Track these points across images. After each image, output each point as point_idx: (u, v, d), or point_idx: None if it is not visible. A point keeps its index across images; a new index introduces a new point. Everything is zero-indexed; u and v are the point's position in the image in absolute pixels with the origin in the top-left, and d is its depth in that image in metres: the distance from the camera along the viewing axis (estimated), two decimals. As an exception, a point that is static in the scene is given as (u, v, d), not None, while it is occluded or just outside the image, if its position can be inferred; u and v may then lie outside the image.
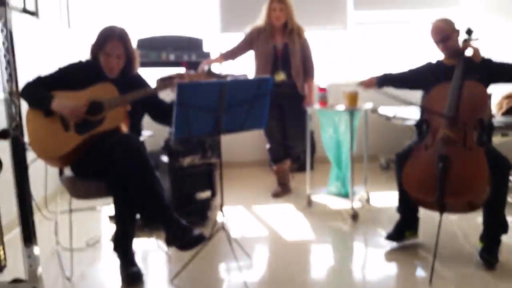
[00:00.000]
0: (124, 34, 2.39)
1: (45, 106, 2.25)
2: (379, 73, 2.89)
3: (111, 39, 2.35)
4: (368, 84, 2.84)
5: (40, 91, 2.29)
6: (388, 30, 5.22)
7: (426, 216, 2.61)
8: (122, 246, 2.33)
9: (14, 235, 2.88)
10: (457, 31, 2.58)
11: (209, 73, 2.44)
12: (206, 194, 3.07)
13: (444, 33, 2.57)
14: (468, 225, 2.89)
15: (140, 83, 2.54)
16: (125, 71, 2.45)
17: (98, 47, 2.37)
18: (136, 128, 2.52)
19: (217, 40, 4.98)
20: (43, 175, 2.46)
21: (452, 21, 2.62)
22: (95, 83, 2.33)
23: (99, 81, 2.35)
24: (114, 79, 2.39)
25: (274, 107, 3.52)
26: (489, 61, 2.57)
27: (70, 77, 2.38)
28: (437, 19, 2.66)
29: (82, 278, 2.39)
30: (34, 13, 3.50)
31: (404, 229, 2.64)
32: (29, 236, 1.91)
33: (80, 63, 2.49)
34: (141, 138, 2.55)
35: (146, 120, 2.66)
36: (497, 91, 2.74)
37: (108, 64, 2.37)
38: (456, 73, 2.42)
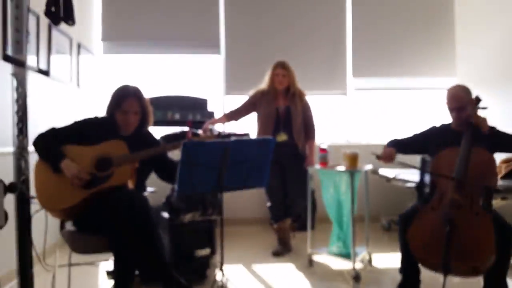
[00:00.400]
0: (139, 92, 2.52)
1: (54, 164, 2.30)
2: (386, 141, 2.90)
3: (127, 97, 2.47)
4: (390, 157, 2.75)
5: (53, 146, 2.34)
6: (386, 96, 5.41)
7: (429, 278, 2.57)
8: None
9: (12, 286, 2.85)
10: (472, 100, 2.64)
11: (219, 136, 2.52)
12: (205, 251, 3.04)
13: (462, 103, 2.63)
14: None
15: (151, 141, 2.62)
16: (140, 127, 2.54)
17: (116, 105, 2.47)
18: (141, 185, 2.56)
19: (220, 101, 5.15)
20: (43, 227, 2.46)
21: (469, 90, 2.70)
22: (108, 139, 2.40)
23: (112, 137, 2.42)
24: (126, 136, 2.47)
25: (276, 166, 3.59)
26: (495, 130, 2.64)
27: (84, 131, 2.45)
28: (455, 86, 2.73)
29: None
30: (46, 73, 3.68)
31: (407, 292, 2.59)
32: None
33: (96, 118, 2.58)
34: (145, 194, 2.58)
35: (150, 176, 2.70)
36: (495, 156, 2.79)
37: (126, 121, 2.47)
38: (465, 139, 2.46)
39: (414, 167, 2.61)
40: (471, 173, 2.39)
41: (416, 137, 2.86)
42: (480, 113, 2.58)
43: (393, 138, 2.89)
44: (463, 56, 5.15)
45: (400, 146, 2.82)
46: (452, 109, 2.66)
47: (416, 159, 2.81)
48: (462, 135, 2.50)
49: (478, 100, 2.62)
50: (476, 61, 4.89)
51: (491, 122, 2.61)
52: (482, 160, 2.43)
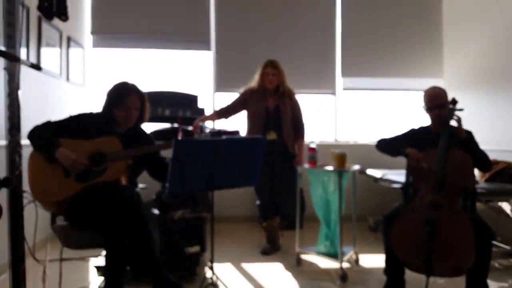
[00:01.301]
0: (139, 88, 2.55)
1: (50, 154, 2.29)
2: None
3: (130, 93, 2.49)
4: (418, 159, 2.60)
5: (47, 137, 2.33)
6: (374, 96, 5.48)
7: (413, 278, 2.63)
8: None
9: (1, 281, 2.83)
10: (448, 102, 2.69)
11: (213, 134, 2.55)
12: (195, 249, 3.05)
13: (442, 100, 2.69)
14: (454, 289, 2.91)
15: (144, 138, 2.63)
16: (136, 123, 2.57)
17: (117, 101, 2.48)
18: (133, 181, 2.57)
19: (210, 98, 5.15)
20: (33, 221, 2.45)
21: (445, 91, 2.76)
22: (102, 135, 2.40)
23: (106, 133, 2.42)
24: (120, 133, 2.47)
25: (265, 165, 3.61)
26: (470, 135, 2.70)
27: (78, 125, 2.45)
28: (433, 87, 2.78)
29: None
30: (38, 67, 3.64)
31: (392, 292, 2.64)
32: (18, 284, 1.89)
33: (91, 114, 2.57)
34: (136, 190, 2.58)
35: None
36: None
37: (127, 117, 2.49)
38: (442, 141, 2.51)
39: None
40: (449, 174, 2.44)
41: (399, 138, 2.87)
42: (457, 114, 2.62)
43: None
44: (450, 58, 5.24)
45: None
46: (432, 107, 2.70)
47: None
48: (440, 136, 2.54)
49: (454, 101, 2.66)
50: (462, 63, 4.98)
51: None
52: (459, 161, 2.48)
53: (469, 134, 2.71)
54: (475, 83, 4.73)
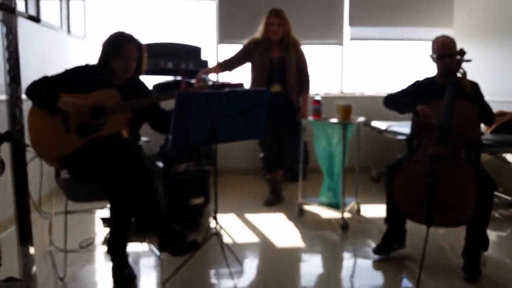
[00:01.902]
0: (136, 38, 2.49)
1: (51, 104, 2.27)
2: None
3: (128, 42, 2.43)
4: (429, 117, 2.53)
5: (47, 90, 2.32)
6: (381, 46, 5.36)
7: (414, 228, 2.67)
8: (116, 248, 2.35)
9: (8, 234, 2.92)
10: (457, 52, 2.61)
11: (212, 86, 2.51)
12: (199, 200, 3.11)
13: (452, 50, 2.61)
14: (455, 238, 2.94)
15: (143, 90, 2.61)
16: (133, 75, 2.52)
17: (115, 51, 2.41)
18: (135, 134, 2.57)
19: (214, 50, 5.06)
20: (39, 175, 2.50)
21: (455, 41, 2.68)
22: (100, 87, 2.38)
23: (104, 86, 2.40)
24: (118, 85, 2.45)
25: (269, 117, 3.58)
26: (476, 87, 2.65)
27: (76, 79, 2.42)
28: (443, 35, 2.70)
29: (74, 279, 2.42)
30: (37, 19, 3.57)
31: (392, 241, 2.70)
32: (25, 237, 1.93)
33: (87, 66, 2.52)
34: (139, 143, 2.60)
35: (143, 126, 2.71)
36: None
37: (126, 67, 2.44)
38: (448, 92, 2.46)
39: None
40: (454, 125, 2.41)
41: (405, 93, 2.83)
42: (464, 65, 2.57)
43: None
44: (460, 7, 5.06)
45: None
46: (441, 56, 2.62)
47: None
48: (445, 87, 2.50)
49: (462, 52, 2.59)
50: (472, 13, 4.81)
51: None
52: (464, 112, 2.44)
53: (475, 86, 2.66)
54: (485, 33, 4.59)
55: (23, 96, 2.04)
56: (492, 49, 4.46)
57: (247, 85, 3.96)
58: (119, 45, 2.42)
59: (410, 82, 2.84)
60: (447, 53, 2.61)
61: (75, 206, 2.71)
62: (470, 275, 2.39)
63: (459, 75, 2.56)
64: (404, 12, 5.15)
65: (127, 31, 2.52)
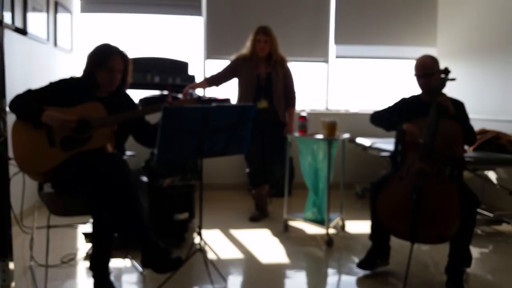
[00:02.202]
0: (122, 50, 2.47)
1: (35, 118, 2.24)
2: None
3: (113, 54, 2.41)
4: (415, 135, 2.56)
5: (31, 103, 2.29)
6: (366, 64, 5.46)
7: (398, 244, 2.69)
8: (98, 264, 2.30)
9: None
10: (439, 71, 2.65)
11: (199, 100, 2.52)
12: (184, 215, 3.10)
13: (430, 69, 2.64)
14: (438, 255, 2.98)
15: (128, 103, 2.60)
16: (119, 87, 2.51)
17: (99, 63, 2.39)
18: (120, 148, 2.56)
19: (201, 65, 5.08)
20: (21, 189, 2.46)
21: (437, 60, 2.71)
22: (85, 101, 2.36)
23: (89, 99, 2.38)
24: (104, 98, 2.43)
25: (255, 133, 3.62)
26: (461, 105, 2.67)
27: (60, 92, 2.39)
28: (423, 55, 2.73)
29: (55, 295, 2.37)
30: (23, 31, 3.56)
31: (376, 257, 2.71)
32: (5, 251, 1.90)
33: (72, 79, 2.50)
34: (124, 158, 2.58)
35: (128, 140, 2.70)
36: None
37: (111, 80, 2.41)
38: (432, 111, 2.50)
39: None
40: (438, 143, 2.44)
41: (391, 110, 2.87)
42: (448, 84, 2.60)
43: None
44: (444, 26, 5.18)
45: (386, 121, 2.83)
46: (420, 76, 2.67)
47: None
48: (430, 106, 2.53)
49: (447, 71, 2.62)
50: (456, 32, 4.93)
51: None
52: (449, 131, 2.48)
53: (460, 105, 2.68)
54: (468, 52, 4.70)
55: (7, 109, 2.02)
56: (475, 67, 4.56)
57: (234, 100, 3.99)
58: (104, 57, 2.40)
59: (396, 99, 2.89)
60: (424, 72, 2.65)
61: (57, 221, 2.67)
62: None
63: (444, 92, 2.60)
64: (388, 30, 5.26)
65: (114, 44, 2.51)
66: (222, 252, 3.04)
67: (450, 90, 2.68)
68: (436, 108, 2.50)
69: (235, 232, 3.49)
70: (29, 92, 2.36)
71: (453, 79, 2.63)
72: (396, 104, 2.87)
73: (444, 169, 2.44)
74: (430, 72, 2.64)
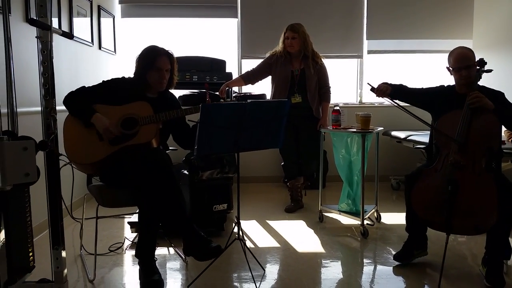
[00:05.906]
0: (167, 50, 2.62)
1: (86, 118, 2.44)
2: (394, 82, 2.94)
3: (160, 55, 2.57)
4: (383, 91, 2.84)
5: (83, 103, 2.48)
6: (401, 59, 5.41)
7: (434, 235, 2.70)
8: (144, 252, 2.42)
9: (42, 237, 3.07)
10: (475, 63, 2.60)
11: (235, 97, 2.61)
12: (223, 206, 3.22)
13: (471, 61, 2.59)
14: (476, 246, 2.96)
15: (174, 103, 2.75)
16: (167, 87, 2.66)
17: (148, 64, 2.55)
18: (164, 144, 2.71)
19: (236, 65, 5.21)
20: (71, 182, 2.63)
21: (473, 52, 2.66)
22: (134, 100, 2.53)
23: (138, 98, 2.54)
24: (152, 98, 2.59)
25: (290, 127, 3.71)
26: (501, 96, 2.60)
27: (112, 91, 2.57)
28: (460, 47, 2.68)
29: (103, 281, 2.52)
30: (70, 35, 3.76)
31: (412, 249, 2.73)
32: (57, 240, 2.00)
33: (123, 79, 2.67)
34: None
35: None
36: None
37: (160, 79, 2.57)
38: (466, 107, 2.46)
39: (403, 108, 2.61)
40: (474, 135, 2.42)
41: (422, 91, 2.85)
42: (485, 76, 2.56)
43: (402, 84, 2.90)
44: (480, 18, 5.07)
45: (398, 90, 2.86)
46: (461, 68, 2.59)
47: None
48: (466, 98, 2.49)
49: (482, 62, 2.58)
50: (492, 24, 4.82)
51: (504, 84, 2.56)
52: (485, 122, 2.44)
53: (500, 96, 2.60)
54: (504, 44, 4.59)
55: (57, 107, 2.16)
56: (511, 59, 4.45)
57: (268, 95, 4.08)
58: (151, 58, 2.56)
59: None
60: (465, 64, 2.58)
61: (104, 212, 2.84)
62: (494, 284, 2.36)
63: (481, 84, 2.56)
64: (422, 24, 5.21)
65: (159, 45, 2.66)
66: (259, 242, 3.14)
67: (487, 81, 2.64)
68: (469, 109, 2.46)
69: (271, 223, 3.59)
70: (82, 90, 2.55)
71: (489, 71, 2.59)
72: (433, 88, 2.84)
73: (480, 161, 2.41)
74: (471, 64, 2.59)
